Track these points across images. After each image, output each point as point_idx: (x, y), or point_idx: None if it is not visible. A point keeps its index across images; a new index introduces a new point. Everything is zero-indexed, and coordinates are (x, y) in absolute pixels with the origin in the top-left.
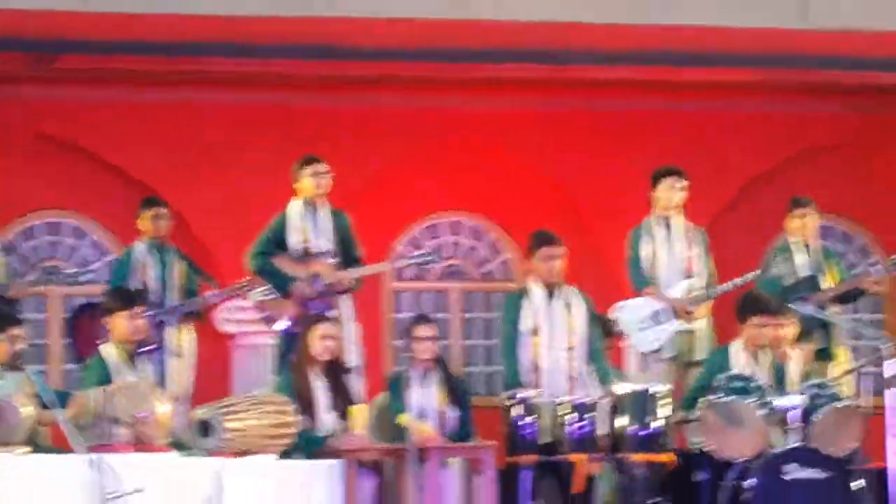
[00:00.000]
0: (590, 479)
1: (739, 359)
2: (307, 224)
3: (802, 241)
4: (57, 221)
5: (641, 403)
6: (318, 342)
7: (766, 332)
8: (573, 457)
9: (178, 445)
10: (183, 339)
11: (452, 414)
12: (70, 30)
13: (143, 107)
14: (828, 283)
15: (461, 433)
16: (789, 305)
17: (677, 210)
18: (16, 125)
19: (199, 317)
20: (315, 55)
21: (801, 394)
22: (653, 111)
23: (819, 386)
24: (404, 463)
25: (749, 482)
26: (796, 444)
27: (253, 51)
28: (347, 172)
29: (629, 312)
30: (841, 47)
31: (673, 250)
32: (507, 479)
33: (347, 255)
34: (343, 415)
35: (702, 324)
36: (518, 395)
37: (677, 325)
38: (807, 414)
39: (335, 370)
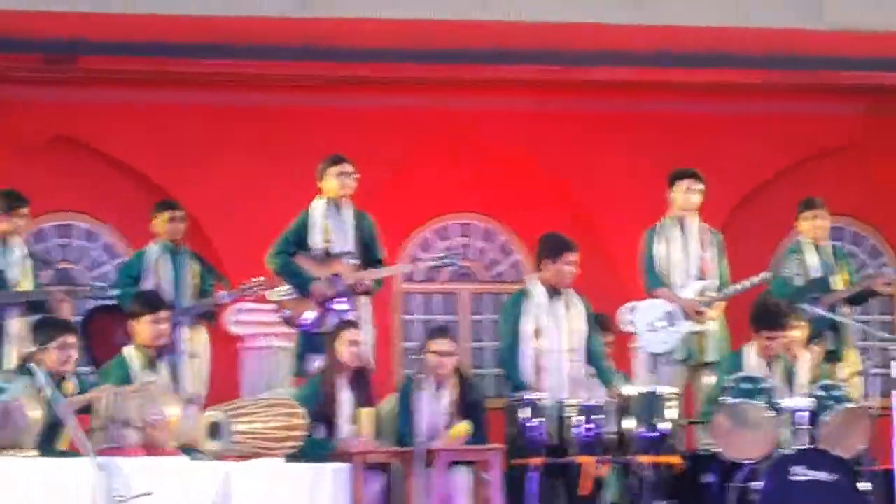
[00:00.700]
0: (597, 482)
1: (752, 362)
2: (330, 224)
3: (813, 243)
4: (68, 224)
5: (649, 405)
6: (346, 349)
7: (776, 345)
8: (580, 459)
9: (187, 449)
10: (196, 341)
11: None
12: (85, 32)
13: (159, 108)
14: (839, 284)
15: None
16: (800, 306)
17: (693, 212)
18: (30, 127)
19: (212, 318)
20: (325, 57)
21: (810, 395)
22: (665, 113)
23: (828, 388)
24: (411, 465)
25: (757, 484)
26: (805, 446)
27: (270, 52)
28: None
29: (641, 313)
30: (854, 48)
31: (687, 251)
32: (514, 481)
33: (369, 257)
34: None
35: (714, 325)
36: (525, 398)
37: (688, 326)
38: (815, 415)
39: (362, 379)
